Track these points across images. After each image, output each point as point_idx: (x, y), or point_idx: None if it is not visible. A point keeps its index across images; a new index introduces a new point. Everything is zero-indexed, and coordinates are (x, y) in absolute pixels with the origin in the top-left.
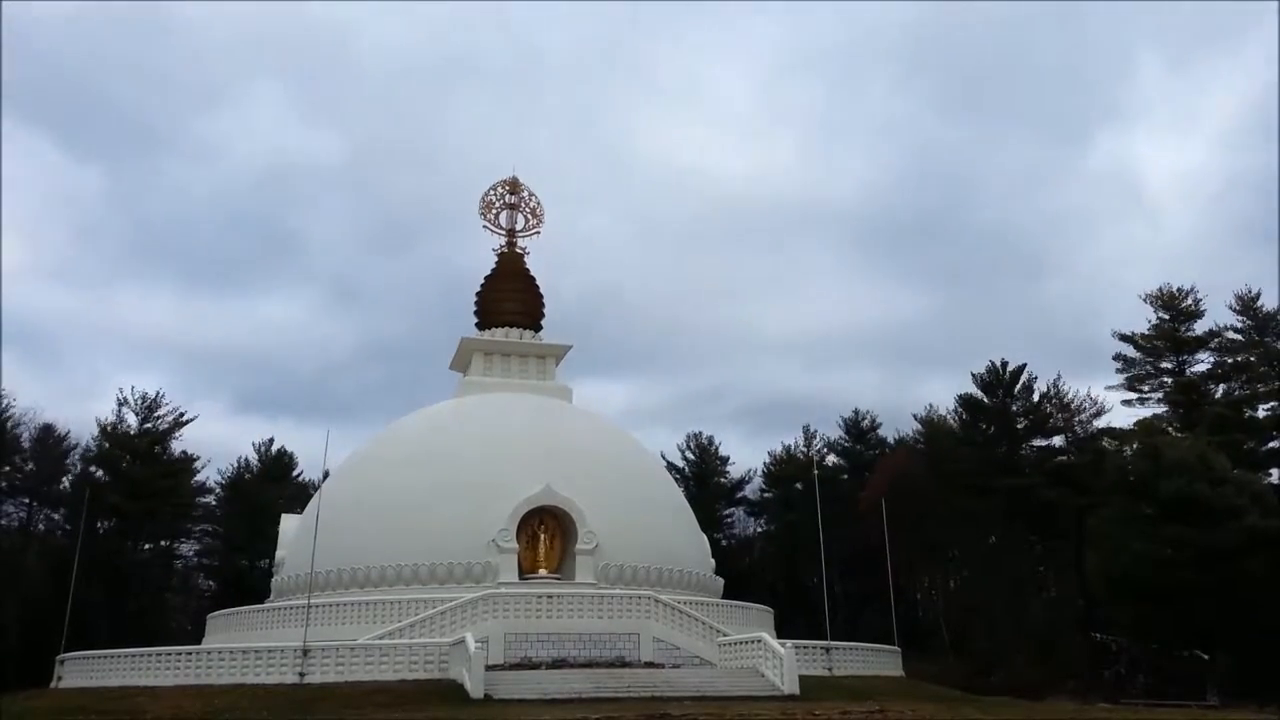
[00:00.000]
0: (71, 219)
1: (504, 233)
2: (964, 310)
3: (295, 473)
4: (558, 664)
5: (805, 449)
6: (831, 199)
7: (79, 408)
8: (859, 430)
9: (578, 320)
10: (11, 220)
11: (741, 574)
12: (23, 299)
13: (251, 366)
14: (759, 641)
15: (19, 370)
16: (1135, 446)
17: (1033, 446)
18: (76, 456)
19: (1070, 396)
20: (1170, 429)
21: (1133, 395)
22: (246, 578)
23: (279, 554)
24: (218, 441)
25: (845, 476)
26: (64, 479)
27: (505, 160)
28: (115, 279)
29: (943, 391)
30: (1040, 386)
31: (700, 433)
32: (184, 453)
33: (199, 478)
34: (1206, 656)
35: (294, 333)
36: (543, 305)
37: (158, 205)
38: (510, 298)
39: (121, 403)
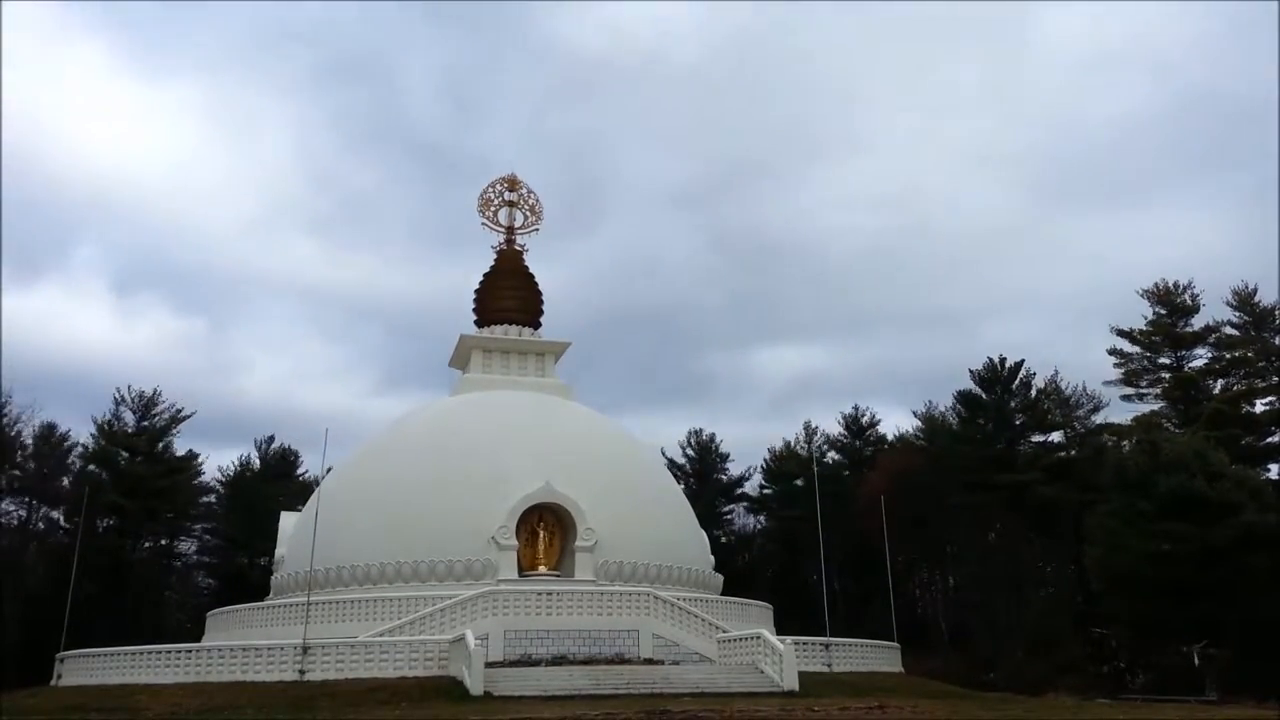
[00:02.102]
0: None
1: (503, 230)
2: None
3: (299, 471)
4: (558, 661)
5: (805, 445)
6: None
7: (211, 383)
8: (858, 427)
9: (821, 275)
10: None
11: (741, 571)
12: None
13: (430, 337)
14: (758, 638)
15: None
16: (1133, 442)
17: (1031, 442)
18: (76, 455)
19: (1069, 392)
20: (1168, 425)
21: (1131, 391)
22: (246, 575)
23: (279, 551)
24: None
25: (845, 473)
26: (64, 477)
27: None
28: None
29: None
30: (1038, 382)
31: (701, 430)
32: (187, 450)
33: (199, 476)
34: (1205, 652)
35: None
36: (541, 303)
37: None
38: (509, 295)
39: (119, 401)
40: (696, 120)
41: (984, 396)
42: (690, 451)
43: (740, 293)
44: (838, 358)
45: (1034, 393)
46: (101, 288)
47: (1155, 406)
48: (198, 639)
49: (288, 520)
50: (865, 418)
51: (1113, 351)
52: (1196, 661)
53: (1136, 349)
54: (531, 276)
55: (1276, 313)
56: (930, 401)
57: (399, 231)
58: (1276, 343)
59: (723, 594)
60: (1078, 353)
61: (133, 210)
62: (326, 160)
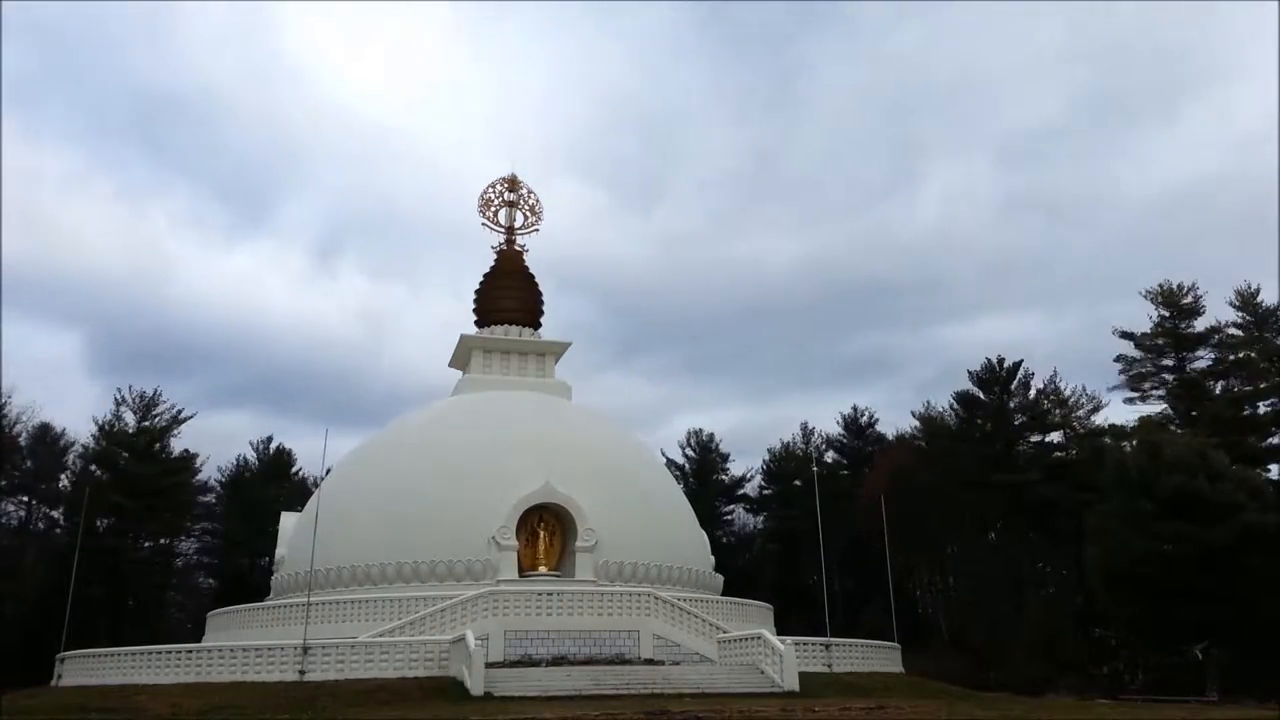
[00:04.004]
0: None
1: (503, 230)
2: None
3: (295, 470)
4: (558, 661)
5: (804, 445)
6: None
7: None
8: (858, 427)
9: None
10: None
11: (741, 571)
12: None
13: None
14: (759, 638)
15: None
16: (1134, 443)
17: (1030, 443)
18: (75, 455)
19: (1068, 393)
20: (1172, 426)
21: (1134, 393)
22: (247, 576)
23: (279, 552)
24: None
25: (845, 473)
26: (63, 477)
27: None
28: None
29: None
30: (1037, 383)
31: (700, 430)
32: (184, 451)
33: (199, 476)
34: (1205, 652)
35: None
36: (542, 303)
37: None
38: (509, 295)
39: (119, 401)
40: (1060, 50)
41: (982, 397)
42: (690, 451)
43: (1001, 259)
44: (1045, 329)
45: (1033, 393)
46: (303, 249)
47: (1158, 408)
48: (198, 639)
49: (288, 520)
50: (864, 418)
51: (1119, 358)
52: (1200, 660)
53: (1140, 351)
54: (532, 277)
55: (1279, 313)
56: (929, 401)
57: (684, 186)
58: (1279, 343)
59: (723, 594)
60: None
61: (358, 153)
62: (619, 87)
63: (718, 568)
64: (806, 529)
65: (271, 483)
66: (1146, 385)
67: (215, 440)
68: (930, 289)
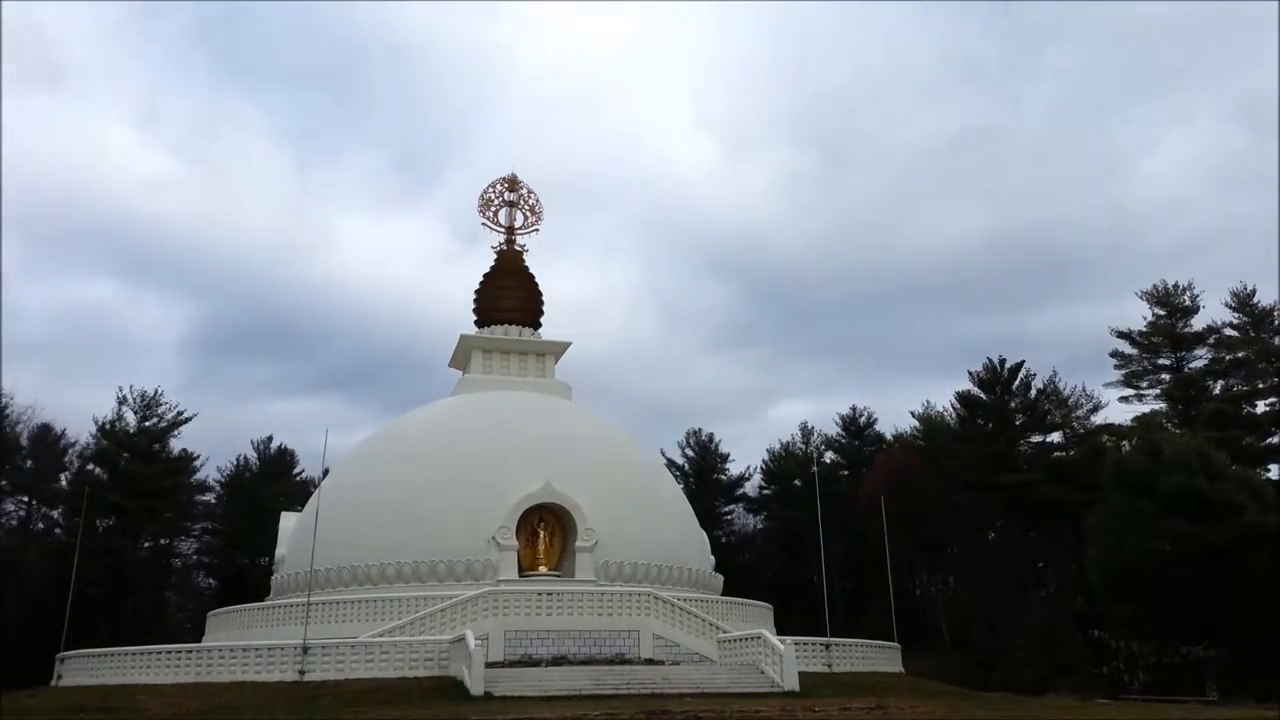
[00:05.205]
0: None
1: (503, 230)
2: None
3: (296, 470)
4: (558, 661)
5: (804, 446)
6: None
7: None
8: (857, 427)
9: None
10: None
11: (741, 571)
12: None
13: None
14: (759, 638)
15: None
16: (1134, 442)
17: (1031, 443)
18: (75, 455)
19: (1068, 393)
20: (1169, 425)
21: (1131, 392)
22: (246, 576)
23: (279, 552)
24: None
25: (844, 473)
26: (63, 477)
27: None
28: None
29: None
30: (1038, 383)
31: (700, 429)
32: (184, 450)
33: (199, 475)
34: (1205, 652)
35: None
36: (542, 303)
37: None
38: (509, 295)
39: (121, 401)
40: None
41: (984, 397)
42: (690, 451)
43: (1201, 233)
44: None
45: (1033, 393)
46: (451, 226)
47: (1155, 407)
48: (198, 639)
49: (288, 520)
50: (863, 418)
51: (1114, 354)
52: (1200, 660)
53: (1136, 350)
54: (532, 277)
55: (1275, 313)
56: (928, 401)
57: (890, 156)
58: (1276, 343)
59: (723, 594)
60: None
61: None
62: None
63: (718, 568)
64: (806, 529)
65: (272, 482)
66: (1143, 384)
67: (284, 426)
68: (1109, 266)
